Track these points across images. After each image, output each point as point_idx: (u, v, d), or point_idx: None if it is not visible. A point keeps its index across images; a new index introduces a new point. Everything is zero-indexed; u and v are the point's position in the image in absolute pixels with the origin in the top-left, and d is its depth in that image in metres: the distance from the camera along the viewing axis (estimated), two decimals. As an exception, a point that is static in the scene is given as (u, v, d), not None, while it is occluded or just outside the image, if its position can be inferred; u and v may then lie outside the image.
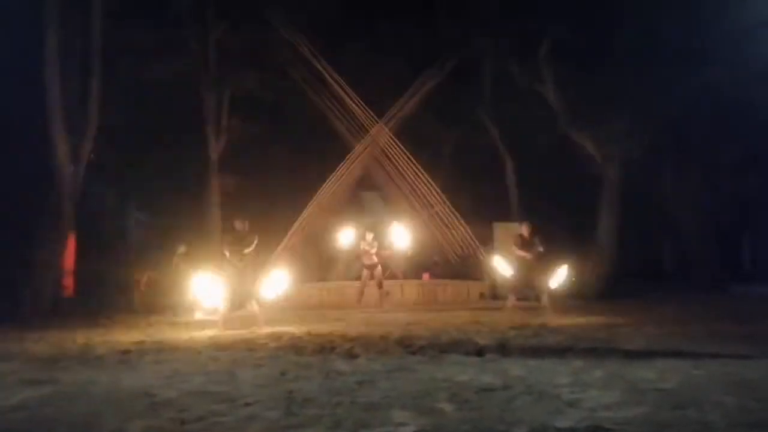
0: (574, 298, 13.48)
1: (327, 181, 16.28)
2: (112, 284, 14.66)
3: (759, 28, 12.63)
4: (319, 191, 16.14)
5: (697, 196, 17.47)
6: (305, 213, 15.96)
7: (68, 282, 13.45)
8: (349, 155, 16.88)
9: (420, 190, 16.76)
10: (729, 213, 19.33)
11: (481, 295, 15.28)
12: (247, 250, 8.88)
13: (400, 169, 16.94)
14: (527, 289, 9.90)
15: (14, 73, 13.04)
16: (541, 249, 9.91)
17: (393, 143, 16.85)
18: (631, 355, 5.60)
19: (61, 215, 13.06)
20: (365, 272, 13.44)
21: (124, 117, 15.65)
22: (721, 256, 17.93)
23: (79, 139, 13.45)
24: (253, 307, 8.65)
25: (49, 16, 12.85)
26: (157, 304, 12.64)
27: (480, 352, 5.89)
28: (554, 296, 10.03)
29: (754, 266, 22.96)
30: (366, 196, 18.34)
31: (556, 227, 17.35)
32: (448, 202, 16.35)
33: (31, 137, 13.43)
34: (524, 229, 10.18)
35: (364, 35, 18.29)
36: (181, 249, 12.52)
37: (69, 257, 13.45)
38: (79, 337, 8.41)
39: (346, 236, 15.14)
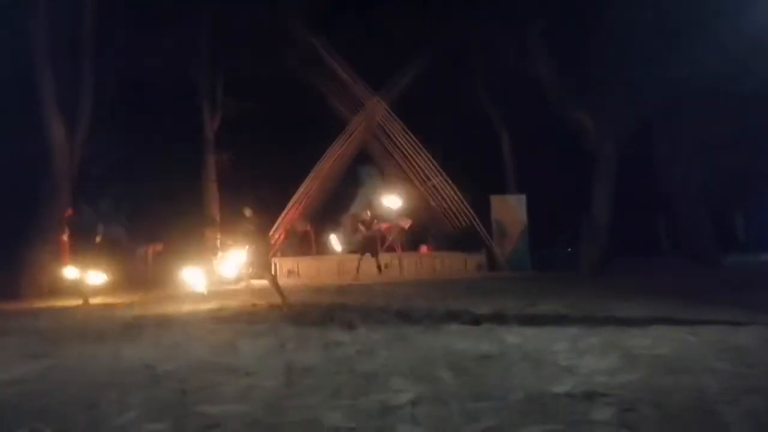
0: (570, 272, 13.60)
1: (324, 155, 16.23)
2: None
3: (748, 2, 12.46)
4: (317, 166, 16.10)
5: (689, 170, 17.47)
6: (303, 188, 15.94)
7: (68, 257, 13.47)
8: (345, 129, 16.80)
9: (417, 163, 16.74)
10: (722, 186, 19.34)
11: (479, 267, 15.36)
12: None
13: (397, 142, 16.89)
14: None
15: (6, 64, 12.87)
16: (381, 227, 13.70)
17: (389, 117, 16.76)
18: (625, 322, 5.66)
19: (60, 193, 13.06)
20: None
21: (117, 98, 15.51)
22: (715, 229, 17.99)
23: (74, 120, 13.40)
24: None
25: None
26: (163, 277, 12.81)
27: (477, 321, 5.95)
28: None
29: (747, 238, 23.08)
30: (363, 170, 18.29)
31: (551, 201, 17.43)
32: (445, 175, 16.34)
33: (29, 119, 13.34)
34: (367, 215, 13.80)
35: (361, 11, 18.05)
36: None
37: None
38: (80, 312, 8.46)
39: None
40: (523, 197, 15.84)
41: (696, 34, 13.38)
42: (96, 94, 13.91)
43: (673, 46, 13.81)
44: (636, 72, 14.29)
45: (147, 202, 15.14)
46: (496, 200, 15.74)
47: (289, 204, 15.75)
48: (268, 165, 17.78)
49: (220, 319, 7.02)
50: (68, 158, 13.32)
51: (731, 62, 13.77)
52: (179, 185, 16.64)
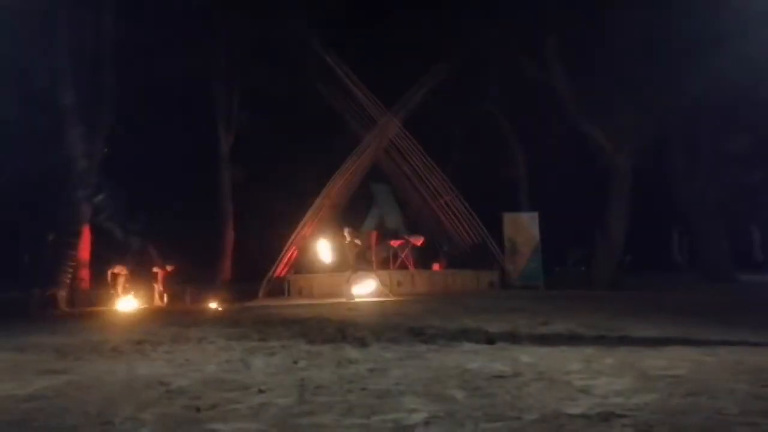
0: (584, 289, 13.50)
1: (337, 172, 16.29)
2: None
3: (766, 17, 12.43)
4: (330, 182, 16.14)
5: (705, 186, 17.36)
6: (316, 204, 15.97)
7: (84, 274, 13.60)
8: (358, 147, 16.87)
9: (430, 180, 16.75)
10: (738, 203, 19.19)
11: (491, 284, 15.29)
12: None
13: (410, 160, 16.94)
14: None
15: (28, 71, 13.15)
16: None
17: (403, 134, 16.82)
18: (641, 342, 5.60)
19: (77, 208, 13.25)
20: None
21: (136, 112, 15.76)
22: (731, 246, 17.83)
23: (92, 133, 13.64)
24: None
25: (59, 12, 12.99)
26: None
27: (490, 340, 5.91)
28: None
29: (763, 255, 22.83)
30: (376, 188, 18.34)
31: (565, 218, 17.36)
32: (457, 192, 16.34)
33: (48, 132, 13.59)
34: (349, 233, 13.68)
35: (374, 28, 18.23)
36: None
37: (85, 250, 13.59)
38: (95, 328, 8.51)
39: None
40: (535, 215, 15.78)
41: (713, 48, 13.36)
42: (115, 108, 14.20)
43: (690, 60, 13.78)
44: (652, 86, 14.26)
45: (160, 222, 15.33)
46: (508, 217, 15.69)
47: (302, 221, 15.76)
48: (282, 181, 17.88)
49: (232, 335, 7.00)
50: (86, 173, 13.53)
51: (749, 75, 13.71)
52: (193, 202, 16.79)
